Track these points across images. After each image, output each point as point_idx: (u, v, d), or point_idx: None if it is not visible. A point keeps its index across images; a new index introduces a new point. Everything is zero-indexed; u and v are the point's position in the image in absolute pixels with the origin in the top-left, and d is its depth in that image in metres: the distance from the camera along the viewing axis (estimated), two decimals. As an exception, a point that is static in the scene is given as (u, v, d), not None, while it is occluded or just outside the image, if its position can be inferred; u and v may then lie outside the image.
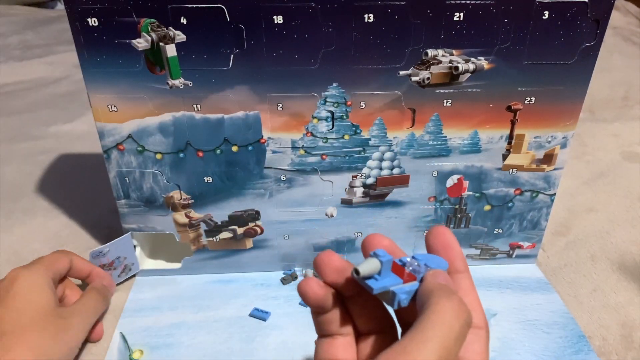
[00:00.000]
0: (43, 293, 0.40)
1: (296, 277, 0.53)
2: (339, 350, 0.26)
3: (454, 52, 0.42)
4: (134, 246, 0.52)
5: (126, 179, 0.47)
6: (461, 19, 0.40)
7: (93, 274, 0.47)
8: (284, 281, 0.53)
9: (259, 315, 0.48)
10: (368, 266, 0.24)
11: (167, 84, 0.42)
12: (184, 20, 0.39)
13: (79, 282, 0.49)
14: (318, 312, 0.26)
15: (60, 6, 1.69)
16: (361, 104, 0.44)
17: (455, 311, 0.22)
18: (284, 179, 0.48)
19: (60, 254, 0.45)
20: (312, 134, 0.46)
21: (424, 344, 0.20)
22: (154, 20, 0.39)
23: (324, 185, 0.49)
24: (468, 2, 0.39)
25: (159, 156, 0.46)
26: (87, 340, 0.45)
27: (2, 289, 0.39)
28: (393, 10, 0.39)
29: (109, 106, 0.43)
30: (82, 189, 0.67)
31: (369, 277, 0.24)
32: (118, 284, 0.52)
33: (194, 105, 0.44)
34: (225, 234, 0.52)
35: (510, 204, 0.51)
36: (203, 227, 0.51)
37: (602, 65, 1.06)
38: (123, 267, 0.51)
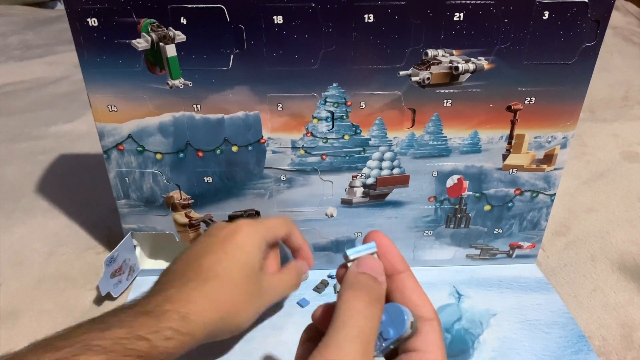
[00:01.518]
0: (255, 254, 0.40)
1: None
2: None
3: (454, 52, 0.42)
4: (134, 246, 0.52)
5: (126, 179, 0.47)
6: (461, 19, 0.40)
7: (302, 252, 0.47)
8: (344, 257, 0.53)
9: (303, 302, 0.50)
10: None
11: (167, 84, 0.42)
12: (184, 20, 0.39)
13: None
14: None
15: (60, 6, 1.69)
16: (361, 104, 0.44)
17: (362, 295, 0.25)
18: (284, 179, 0.48)
19: (283, 222, 0.45)
20: (312, 134, 0.46)
21: (338, 332, 0.23)
22: (154, 20, 0.39)
23: (324, 185, 0.49)
24: (468, 2, 0.39)
25: (159, 156, 0.46)
26: None
27: (227, 234, 0.40)
28: (393, 10, 0.39)
29: (109, 106, 0.43)
30: (82, 189, 0.67)
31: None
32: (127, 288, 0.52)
33: (194, 106, 0.44)
34: (225, 234, 0.52)
35: (510, 204, 0.51)
36: (203, 227, 0.51)
37: (602, 65, 1.06)
38: (129, 270, 0.51)
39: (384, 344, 0.25)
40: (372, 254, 0.28)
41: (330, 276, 0.54)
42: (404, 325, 0.25)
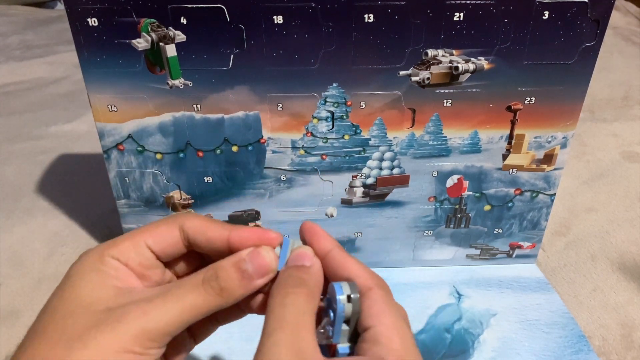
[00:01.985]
0: (92, 288, 0.24)
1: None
2: None
3: (454, 52, 0.42)
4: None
5: (126, 179, 0.47)
6: (461, 19, 0.40)
7: (235, 243, 0.27)
8: None
9: None
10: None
11: (167, 84, 0.42)
12: (184, 20, 0.39)
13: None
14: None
15: (60, 6, 1.69)
16: (361, 104, 0.44)
17: (279, 289, 0.24)
18: (284, 179, 0.48)
19: (161, 222, 0.27)
20: (312, 134, 0.46)
21: (269, 340, 0.22)
22: (154, 20, 0.39)
23: (324, 185, 0.49)
24: (468, 2, 0.39)
25: (159, 156, 0.46)
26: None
27: (64, 277, 0.26)
28: (393, 10, 0.39)
29: (109, 106, 0.43)
30: (82, 189, 0.67)
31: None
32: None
33: (194, 105, 0.44)
34: (225, 234, 0.52)
35: (510, 204, 0.51)
36: (203, 227, 0.51)
37: (602, 65, 1.06)
38: None
39: (333, 330, 0.24)
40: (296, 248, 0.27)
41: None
42: (340, 303, 0.24)
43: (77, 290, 0.24)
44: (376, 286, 0.25)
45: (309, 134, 0.46)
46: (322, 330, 0.25)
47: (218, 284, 0.24)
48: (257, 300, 0.27)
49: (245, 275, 0.25)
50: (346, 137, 0.46)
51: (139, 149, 0.46)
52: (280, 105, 0.44)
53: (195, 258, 0.29)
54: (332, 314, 0.24)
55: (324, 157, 0.47)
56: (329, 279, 0.27)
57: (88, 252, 0.26)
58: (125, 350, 0.22)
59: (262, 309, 0.27)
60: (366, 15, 0.39)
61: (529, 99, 0.44)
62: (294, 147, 0.46)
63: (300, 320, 0.23)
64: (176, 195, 0.48)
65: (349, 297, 0.24)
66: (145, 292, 0.25)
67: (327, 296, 0.25)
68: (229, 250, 0.26)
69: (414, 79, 0.43)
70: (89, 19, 0.39)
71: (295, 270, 0.25)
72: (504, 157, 0.48)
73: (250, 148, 0.46)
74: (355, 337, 0.24)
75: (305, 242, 0.28)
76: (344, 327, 0.24)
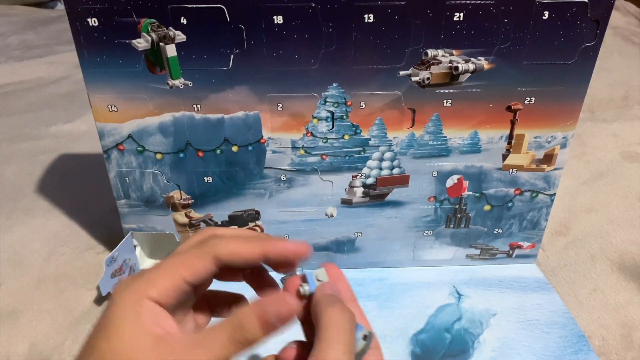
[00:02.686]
0: (136, 338, 0.25)
1: (296, 277, 0.53)
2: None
3: (454, 52, 0.42)
4: (134, 246, 0.52)
5: (126, 179, 0.47)
6: (461, 19, 0.40)
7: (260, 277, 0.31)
8: (284, 281, 0.53)
9: None
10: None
11: (167, 84, 0.42)
12: (184, 20, 0.39)
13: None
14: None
15: (60, 6, 1.69)
16: (361, 104, 0.44)
17: (340, 313, 0.25)
18: (284, 179, 0.48)
19: (195, 256, 0.28)
20: (312, 134, 0.46)
21: (329, 346, 0.24)
22: (154, 20, 0.39)
23: (324, 185, 0.49)
24: (468, 2, 0.39)
25: (159, 156, 0.46)
26: None
27: (101, 320, 0.26)
28: (393, 10, 0.39)
29: (109, 106, 0.43)
30: (82, 189, 0.67)
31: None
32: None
33: (194, 105, 0.44)
34: (225, 234, 0.52)
35: (510, 204, 0.51)
36: (203, 227, 0.51)
37: (602, 65, 1.06)
38: (130, 269, 0.51)
39: None
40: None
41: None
42: (358, 336, 0.26)
43: (122, 341, 0.24)
44: (378, 346, 0.28)
45: (309, 134, 0.46)
46: None
47: (244, 335, 0.26)
48: None
49: (269, 324, 0.26)
50: (346, 137, 0.46)
51: (139, 149, 0.46)
52: (280, 105, 0.44)
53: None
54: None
55: (324, 157, 0.47)
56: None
57: (125, 292, 0.26)
58: None
59: None
60: (366, 15, 0.39)
61: (529, 99, 0.45)
62: (294, 147, 0.46)
63: (354, 346, 0.25)
64: (176, 195, 0.48)
65: (365, 336, 0.26)
66: (179, 343, 0.25)
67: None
68: (263, 262, 0.29)
69: (414, 79, 0.43)
70: (89, 19, 0.39)
71: (342, 300, 0.27)
72: (504, 157, 0.48)
73: (250, 148, 0.46)
74: None
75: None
76: None
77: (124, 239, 0.50)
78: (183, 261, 0.28)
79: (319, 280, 0.28)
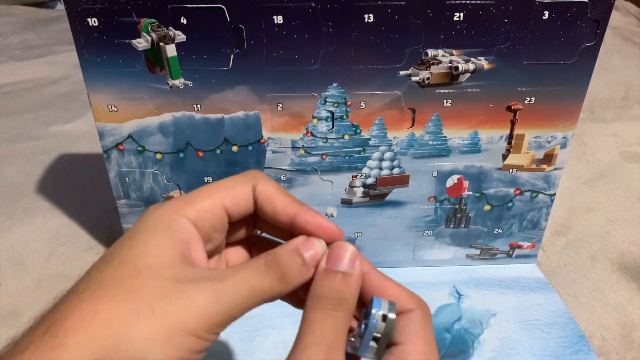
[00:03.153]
0: (162, 248, 0.23)
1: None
2: None
3: (454, 52, 0.42)
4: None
5: (126, 179, 0.47)
6: (461, 19, 0.40)
7: (299, 221, 0.26)
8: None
9: None
10: None
11: (167, 84, 0.42)
12: (184, 20, 0.39)
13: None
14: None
15: (60, 6, 1.69)
16: (361, 104, 0.44)
17: (321, 301, 0.23)
18: (284, 179, 0.48)
19: (236, 182, 0.27)
20: (312, 134, 0.46)
21: (297, 344, 0.23)
22: (154, 20, 0.39)
23: (324, 185, 0.49)
24: (468, 2, 0.39)
25: (159, 156, 0.46)
26: None
27: (128, 232, 0.25)
28: (393, 10, 0.39)
29: (109, 106, 0.43)
30: (82, 189, 0.67)
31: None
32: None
33: (194, 105, 0.44)
34: (225, 234, 0.52)
35: (510, 204, 0.51)
36: (203, 227, 0.51)
37: (602, 65, 1.06)
38: None
39: (362, 341, 0.24)
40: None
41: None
42: (373, 319, 0.23)
43: (147, 247, 0.23)
44: (418, 307, 0.25)
45: (309, 134, 0.46)
46: (351, 339, 0.24)
47: (280, 269, 0.24)
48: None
49: (304, 264, 0.24)
50: (346, 137, 0.46)
51: (139, 149, 0.46)
52: (280, 105, 0.44)
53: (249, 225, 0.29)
54: (363, 327, 0.24)
55: (324, 157, 0.47)
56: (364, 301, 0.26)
57: (159, 208, 0.25)
58: (191, 333, 0.21)
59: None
60: (366, 15, 0.39)
61: (528, 99, 0.45)
62: (294, 147, 0.46)
63: (337, 339, 0.23)
64: (176, 195, 0.48)
65: (384, 316, 0.23)
66: (208, 270, 0.23)
67: (365, 308, 0.25)
68: (290, 227, 0.26)
69: (414, 79, 0.43)
70: (89, 19, 0.39)
71: (339, 282, 0.24)
72: (504, 157, 0.48)
73: (250, 148, 0.46)
74: (382, 350, 0.24)
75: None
76: (372, 343, 0.24)
77: None
78: (224, 186, 0.26)
79: None
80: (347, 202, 0.50)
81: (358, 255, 0.25)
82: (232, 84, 0.43)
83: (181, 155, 0.46)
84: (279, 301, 0.51)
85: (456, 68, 0.42)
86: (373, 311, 0.23)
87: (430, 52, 0.42)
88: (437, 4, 0.39)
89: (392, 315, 0.24)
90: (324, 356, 0.22)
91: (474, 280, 0.53)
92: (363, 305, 0.26)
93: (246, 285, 0.23)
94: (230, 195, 0.26)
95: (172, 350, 0.20)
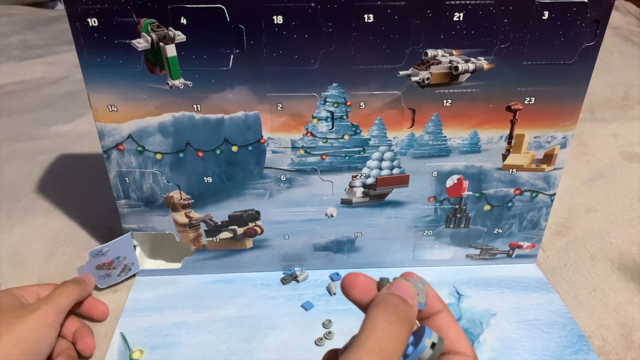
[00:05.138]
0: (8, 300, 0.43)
1: (296, 277, 0.53)
2: None
3: (454, 52, 0.42)
4: (134, 246, 0.52)
5: (126, 179, 0.47)
6: (461, 19, 0.40)
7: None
8: (284, 281, 0.53)
9: (308, 305, 0.50)
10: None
11: (167, 84, 0.42)
12: (184, 20, 0.39)
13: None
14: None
15: (60, 6, 1.69)
16: (361, 104, 0.44)
17: (386, 313, 0.24)
18: (284, 179, 0.48)
19: (43, 284, 0.48)
20: (312, 134, 0.46)
21: (359, 348, 0.23)
22: (154, 20, 0.39)
23: (324, 185, 0.49)
24: (468, 2, 0.39)
25: (159, 156, 0.46)
26: (91, 319, 0.48)
27: None
28: (393, 10, 0.39)
29: (109, 106, 0.43)
30: (82, 189, 0.67)
31: None
32: (117, 284, 0.52)
33: (194, 105, 0.44)
34: (225, 234, 0.52)
35: (510, 204, 0.51)
36: (203, 227, 0.51)
37: (602, 65, 1.06)
38: (123, 267, 0.52)
39: None
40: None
41: (331, 277, 0.54)
42: (423, 344, 0.25)
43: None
44: (473, 356, 0.27)
45: (308, 134, 0.46)
46: None
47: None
48: None
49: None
50: (346, 137, 0.46)
51: (139, 149, 0.46)
52: (280, 105, 0.44)
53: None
54: (410, 349, 0.25)
55: (324, 157, 0.47)
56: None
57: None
58: (48, 324, 0.41)
59: None
60: (366, 15, 0.39)
61: (528, 99, 0.45)
62: (294, 147, 0.46)
63: (396, 352, 0.24)
64: (176, 195, 0.48)
65: (433, 344, 0.25)
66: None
67: (413, 333, 0.26)
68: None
69: (413, 79, 0.43)
70: (89, 19, 0.39)
71: (402, 301, 0.26)
72: (504, 157, 0.48)
73: (250, 148, 0.46)
74: None
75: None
76: None
77: (119, 237, 0.50)
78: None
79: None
80: (347, 202, 0.50)
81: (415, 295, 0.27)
82: (232, 84, 0.43)
83: (181, 155, 0.46)
84: (278, 301, 0.51)
85: (456, 68, 0.42)
86: (424, 338, 0.25)
87: (430, 52, 0.42)
88: (437, 4, 0.39)
89: (440, 345, 0.25)
90: None
91: (474, 280, 0.53)
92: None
93: (64, 293, 0.45)
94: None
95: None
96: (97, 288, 0.51)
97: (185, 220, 0.50)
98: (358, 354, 0.23)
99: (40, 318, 0.41)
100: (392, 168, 0.48)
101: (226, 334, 0.47)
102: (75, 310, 0.47)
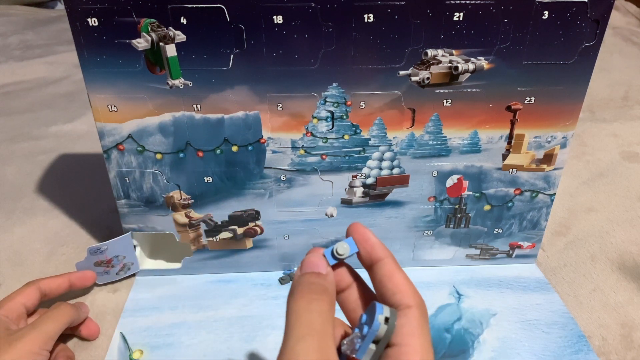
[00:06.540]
0: None
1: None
2: None
3: (454, 52, 0.42)
4: (134, 246, 0.52)
5: (126, 179, 0.47)
6: (461, 19, 0.40)
7: (72, 284, 0.48)
8: (282, 281, 0.53)
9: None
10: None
11: (167, 84, 0.42)
12: (184, 20, 0.39)
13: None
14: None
15: (60, 6, 1.69)
16: (361, 104, 0.44)
17: (304, 294, 0.25)
18: (284, 179, 0.48)
19: (24, 287, 0.45)
20: (312, 134, 0.46)
21: (288, 338, 0.23)
22: (154, 20, 0.39)
23: (324, 185, 0.49)
24: (468, 2, 0.39)
25: (159, 156, 0.46)
26: (81, 338, 0.46)
27: None
28: (393, 10, 0.39)
29: (109, 106, 0.43)
30: (82, 189, 0.67)
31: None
32: (115, 282, 0.52)
33: (194, 105, 0.44)
34: (225, 234, 0.52)
35: (510, 204, 0.51)
36: (203, 227, 0.51)
37: (602, 65, 1.06)
38: (122, 266, 0.52)
39: (361, 345, 0.24)
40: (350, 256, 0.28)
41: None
42: (377, 321, 0.24)
43: None
44: (415, 306, 0.25)
45: (309, 134, 0.46)
46: (347, 342, 0.25)
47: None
48: None
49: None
50: (346, 137, 0.46)
51: (139, 149, 0.46)
52: (280, 105, 0.44)
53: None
54: (365, 329, 0.24)
55: (324, 157, 0.47)
56: (374, 288, 0.27)
57: None
58: (35, 352, 0.38)
59: None
60: (366, 15, 0.39)
61: (528, 98, 0.45)
62: (294, 147, 0.46)
63: (326, 327, 0.23)
64: (176, 195, 0.48)
65: (386, 318, 0.24)
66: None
67: (365, 312, 0.26)
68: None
69: (413, 78, 0.43)
70: (89, 19, 0.39)
71: (315, 276, 0.26)
72: (504, 157, 0.48)
73: (250, 148, 0.46)
74: (381, 352, 0.25)
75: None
76: (372, 346, 0.24)
77: (119, 237, 0.50)
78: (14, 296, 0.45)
79: (339, 255, 0.27)
80: (347, 202, 0.50)
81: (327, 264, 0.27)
82: (232, 84, 0.43)
83: (181, 155, 0.46)
84: (278, 301, 0.51)
85: (456, 68, 0.42)
86: (377, 314, 0.24)
87: (430, 52, 0.42)
88: (437, 4, 0.39)
89: (393, 319, 0.24)
90: (319, 347, 0.23)
91: (474, 280, 0.53)
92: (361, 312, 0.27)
93: (52, 322, 0.41)
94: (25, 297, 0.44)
95: None
96: (95, 284, 0.52)
97: (185, 220, 0.50)
98: (290, 343, 0.23)
99: (25, 347, 0.38)
100: (392, 168, 0.48)
101: (226, 334, 0.47)
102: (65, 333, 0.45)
